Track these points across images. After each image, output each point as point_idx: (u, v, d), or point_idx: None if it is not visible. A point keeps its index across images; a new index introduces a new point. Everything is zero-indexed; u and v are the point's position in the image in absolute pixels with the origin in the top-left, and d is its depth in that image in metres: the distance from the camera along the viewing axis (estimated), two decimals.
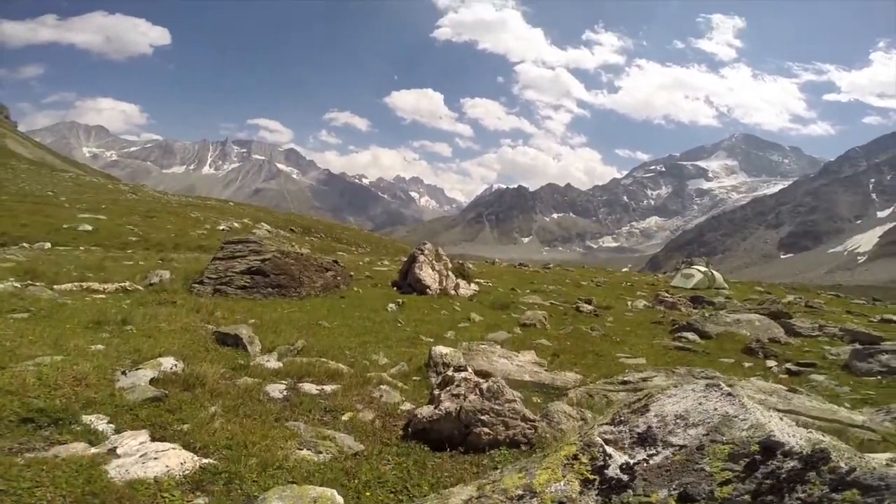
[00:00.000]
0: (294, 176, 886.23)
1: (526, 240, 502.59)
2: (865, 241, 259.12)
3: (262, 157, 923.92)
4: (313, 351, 6.90)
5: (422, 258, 15.78)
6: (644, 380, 5.73)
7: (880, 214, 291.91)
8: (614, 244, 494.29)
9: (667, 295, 21.19)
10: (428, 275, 15.12)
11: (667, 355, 10.48)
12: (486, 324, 11.48)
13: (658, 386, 2.95)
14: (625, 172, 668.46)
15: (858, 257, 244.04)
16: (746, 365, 9.96)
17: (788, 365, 9.81)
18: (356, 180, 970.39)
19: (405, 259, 20.16)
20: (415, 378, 6.01)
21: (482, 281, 19.42)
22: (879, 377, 8.18)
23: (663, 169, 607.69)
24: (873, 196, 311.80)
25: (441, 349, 6.03)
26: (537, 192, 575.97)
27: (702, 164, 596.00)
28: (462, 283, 16.49)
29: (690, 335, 12.54)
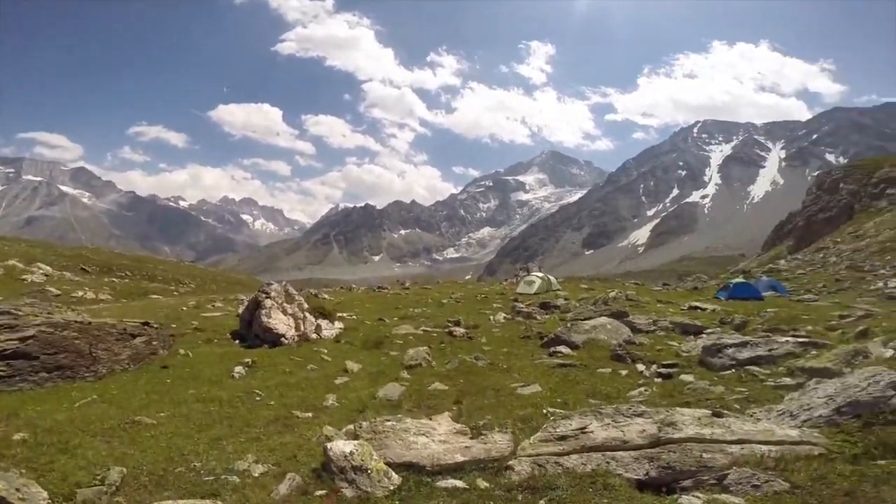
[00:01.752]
0: (85, 200, 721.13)
1: (377, 258, 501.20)
2: (641, 235, 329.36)
3: (39, 179, 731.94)
4: (143, 478, 4.49)
5: (269, 302, 13.17)
6: (582, 430, 5.02)
7: (649, 213, 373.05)
8: (456, 255, 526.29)
9: (521, 305, 22.33)
10: (280, 321, 12.66)
11: (553, 374, 10.35)
12: (367, 373, 9.83)
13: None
14: (460, 188, 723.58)
15: (639, 248, 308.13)
16: (623, 373, 10.32)
17: (656, 367, 10.47)
18: (171, 203, 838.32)
19: (245, 299, 17.01)
20: (319, 493, 4.19)
21: (345, 314, 17.51)
22: (734, 370, 9.10)
23: (491, 184, 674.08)
24: (643, 199, 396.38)
25: (342, 447, 4.32)
26: (384, 209, 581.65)
27: (520, 178, 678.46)
28: (324, 322, 14.37)
29: (562, 348, 12.78)
